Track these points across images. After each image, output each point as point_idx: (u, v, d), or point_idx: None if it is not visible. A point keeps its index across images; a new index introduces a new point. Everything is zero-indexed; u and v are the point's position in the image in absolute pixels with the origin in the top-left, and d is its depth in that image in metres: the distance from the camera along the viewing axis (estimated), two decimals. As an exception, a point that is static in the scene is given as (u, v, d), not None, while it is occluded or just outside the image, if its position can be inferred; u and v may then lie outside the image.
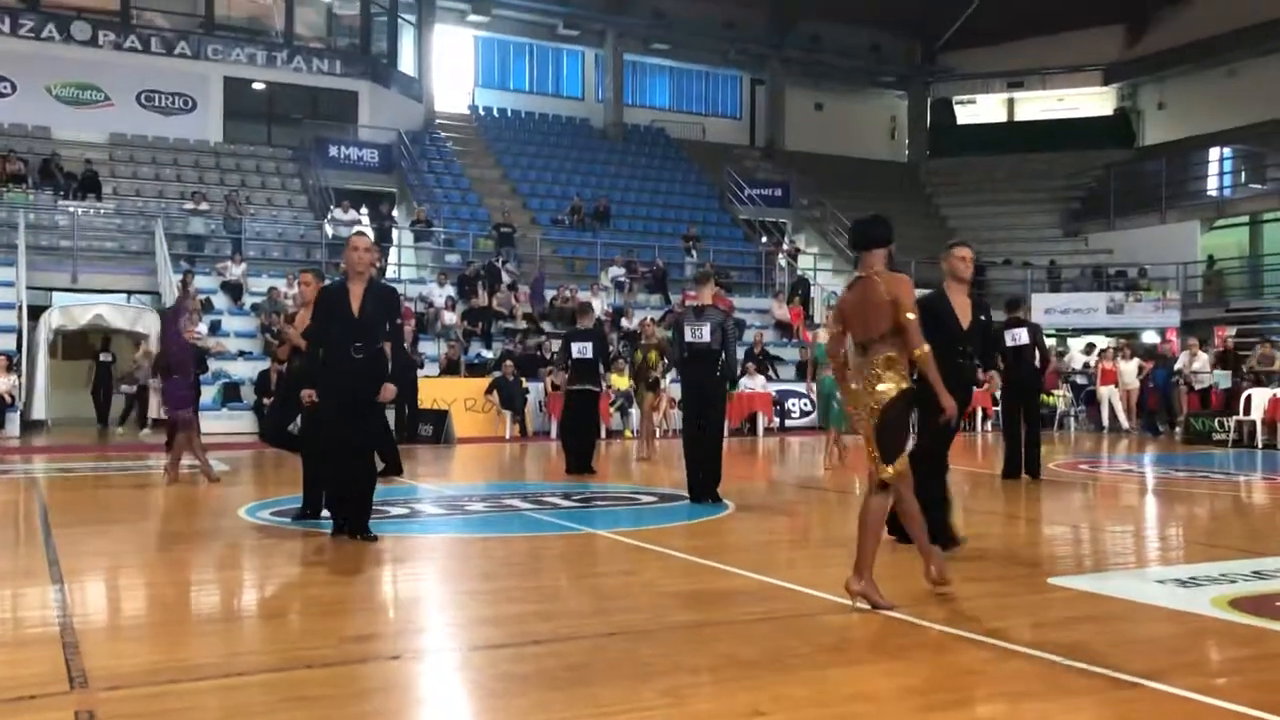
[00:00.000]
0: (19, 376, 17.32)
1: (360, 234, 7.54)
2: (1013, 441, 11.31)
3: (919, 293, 5.52)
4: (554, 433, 18.37)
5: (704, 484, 9.25)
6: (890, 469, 5.16)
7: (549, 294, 22.81)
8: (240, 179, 25.03)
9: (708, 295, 9.50)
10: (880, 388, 5.17)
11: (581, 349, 12.30)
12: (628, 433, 18.42)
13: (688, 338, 9.30)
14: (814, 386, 13.76)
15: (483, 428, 18.24)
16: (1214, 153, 31.62)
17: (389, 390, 7.03)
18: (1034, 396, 11.91)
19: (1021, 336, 11.33)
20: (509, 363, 18.69)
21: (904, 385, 5.21)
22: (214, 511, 8.98)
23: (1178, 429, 19.37)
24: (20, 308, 18.20)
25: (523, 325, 21.65)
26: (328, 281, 8.21)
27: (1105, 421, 20.88)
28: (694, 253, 26.27)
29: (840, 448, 12.65)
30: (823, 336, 12.86)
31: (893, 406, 5.17)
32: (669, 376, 15.62)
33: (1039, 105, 37.38)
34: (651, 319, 19.26)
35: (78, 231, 20.67)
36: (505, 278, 22.71)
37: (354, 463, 7.12)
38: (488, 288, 22.12)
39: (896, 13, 34.71)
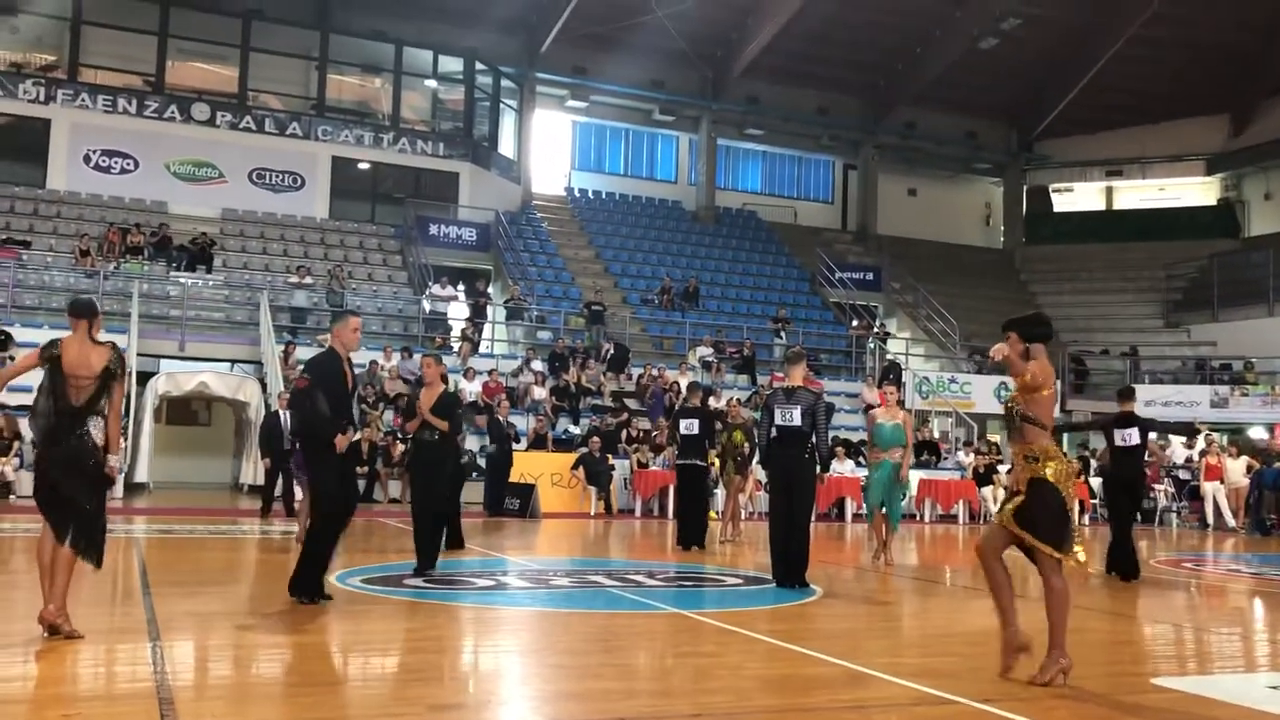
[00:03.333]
0: (125, 440, 17.92)
1: (356, 314, 8.03)
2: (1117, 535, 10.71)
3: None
4: (638, 510, 18.42)
5: (790, 568, 9.09)
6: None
7: (635, 372, 22.94)
8: (344, 254, 25.85)
9: (798, 376, 9.42)
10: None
11: (689, 425, 12.62)
12: (712, 514, 18.28)
13: (778, 420, 9.20)
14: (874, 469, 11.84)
15: (568, 503, 18.29)
16: (1325, 245, 30.67)
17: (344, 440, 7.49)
18: (1137, 496, 11.48)
19: (1133, 437, 10.54)
20: (596, 439, 18.81)
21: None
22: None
23: (1288, 530, 18.57)
24: (130, 373, 18.89)
25: (610, 403, 21.76)
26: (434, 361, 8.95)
27: (1210, 519, 20.09)
28: (783, 334, 26.24)
29: (888, 538, 11.51)
30: (882, 417, 11.95)
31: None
32: (755, 458, 15.44)
33: (1139, 194, 36.75)
34: (737, 400, 19.23)
35: (187, 301, 21.50)
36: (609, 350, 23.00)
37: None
38: (580, 364, 22.36)
39: (992, 100, 34.66)
